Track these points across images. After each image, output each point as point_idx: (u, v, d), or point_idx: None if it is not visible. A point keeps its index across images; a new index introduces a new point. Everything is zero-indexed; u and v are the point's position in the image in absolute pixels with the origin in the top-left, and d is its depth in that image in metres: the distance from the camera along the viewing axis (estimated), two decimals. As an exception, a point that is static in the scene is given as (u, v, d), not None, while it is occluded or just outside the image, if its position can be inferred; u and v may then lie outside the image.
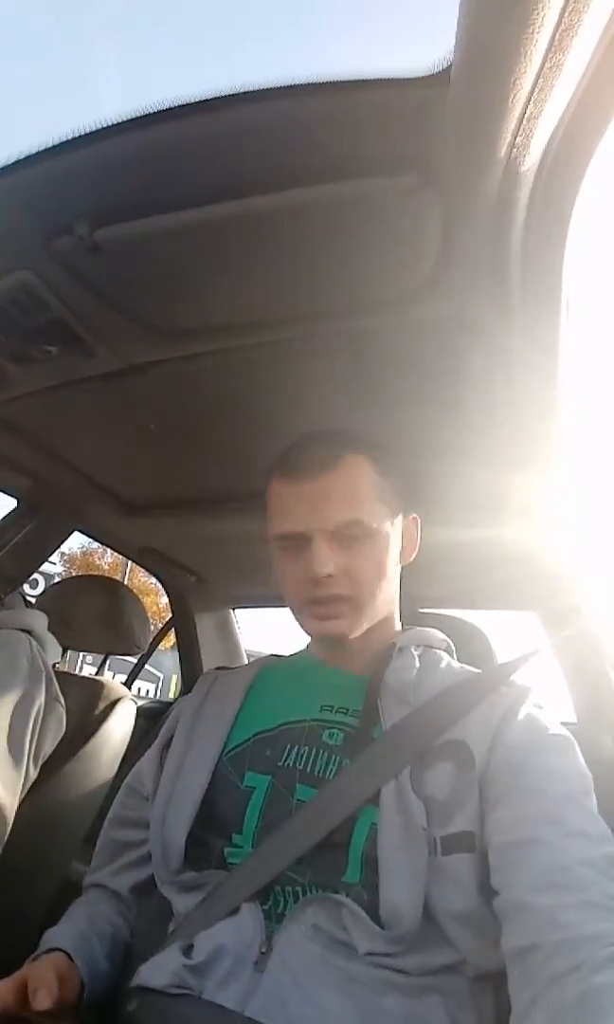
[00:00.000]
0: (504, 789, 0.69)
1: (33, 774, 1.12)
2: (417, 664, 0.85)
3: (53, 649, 1.25)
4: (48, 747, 1.16)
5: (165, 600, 2.17)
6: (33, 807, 1.09)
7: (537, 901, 0.59)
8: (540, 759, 0.71)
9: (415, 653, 0.88)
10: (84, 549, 19.68)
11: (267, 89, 0.64)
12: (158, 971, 0.69)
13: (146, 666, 2.33)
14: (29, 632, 1.21)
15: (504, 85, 0.54)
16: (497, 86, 0.55)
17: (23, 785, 1.09)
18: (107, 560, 18.88)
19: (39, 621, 1.25)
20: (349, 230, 0.74)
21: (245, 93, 0.64)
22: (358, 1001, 0.62)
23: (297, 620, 0.90)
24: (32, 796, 1.10)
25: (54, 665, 1.23)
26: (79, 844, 1.32)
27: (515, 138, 0.59)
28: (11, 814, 1.04)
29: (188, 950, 0.69)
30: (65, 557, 19.57)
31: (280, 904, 0.70)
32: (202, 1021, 0.63)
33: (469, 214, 0.69)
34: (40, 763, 1.14)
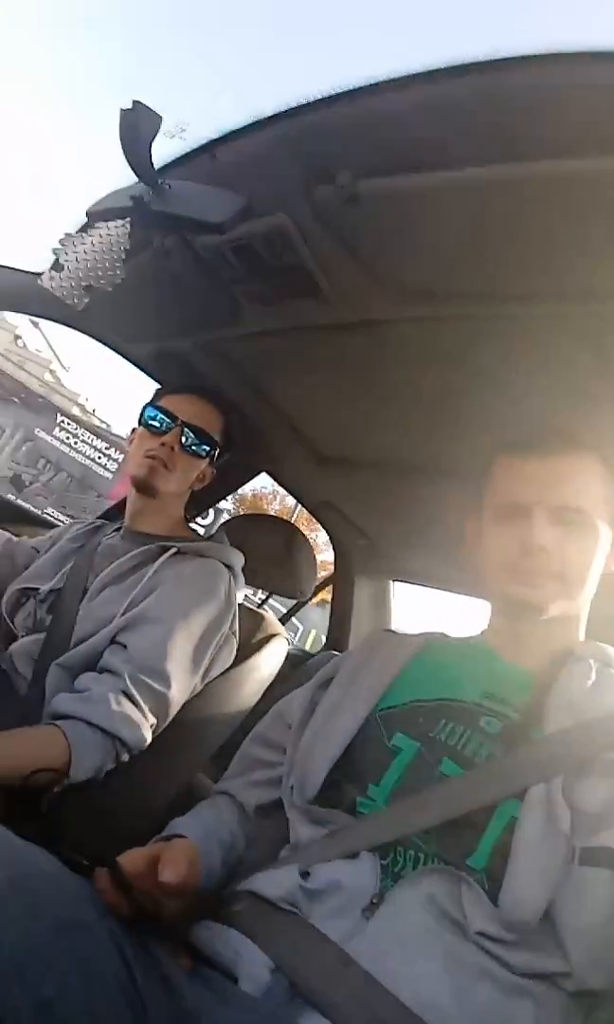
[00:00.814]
0: None
1: (198, 688, 1.24)
2: (593, 677, 0.83)
3: (242, 588, 1.36)
4: (215, 671, 1.27)
5: (322, 557, 2.20)
6: (177, 714, 1.18)
7: None
8: None
9: (593, 666, 0.85)
10: (255, 492, 20.38)
11: (560, 54, 0.61)
12: (274, 883, 0.73)
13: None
14: (230, 568, 1.32)
15: None
16: None
17: (190, 693, 1.20)
18: (275, 507, 19.46)
19: (239, 560, 1.37)
20: None
21: (533, 57, 0.62)
22: (455, 980, 0.62)
23: (493, 588, 0.93)
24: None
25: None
26: (208, 758, 1.40)
27: None
28: (175, 710, 1.16)
29: (305, 875, 0.73)
30: (237, 496, 20.36)
31: (398, 864, 0.72)
32: (303, 942, 0.66)
33: None
34: (205, 682, 1.25)
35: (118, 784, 1.08)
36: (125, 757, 1.07)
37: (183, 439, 1.30)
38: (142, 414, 1.34)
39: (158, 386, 1.46)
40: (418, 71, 0.67)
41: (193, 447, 1.32)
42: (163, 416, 1.31)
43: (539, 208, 0.73)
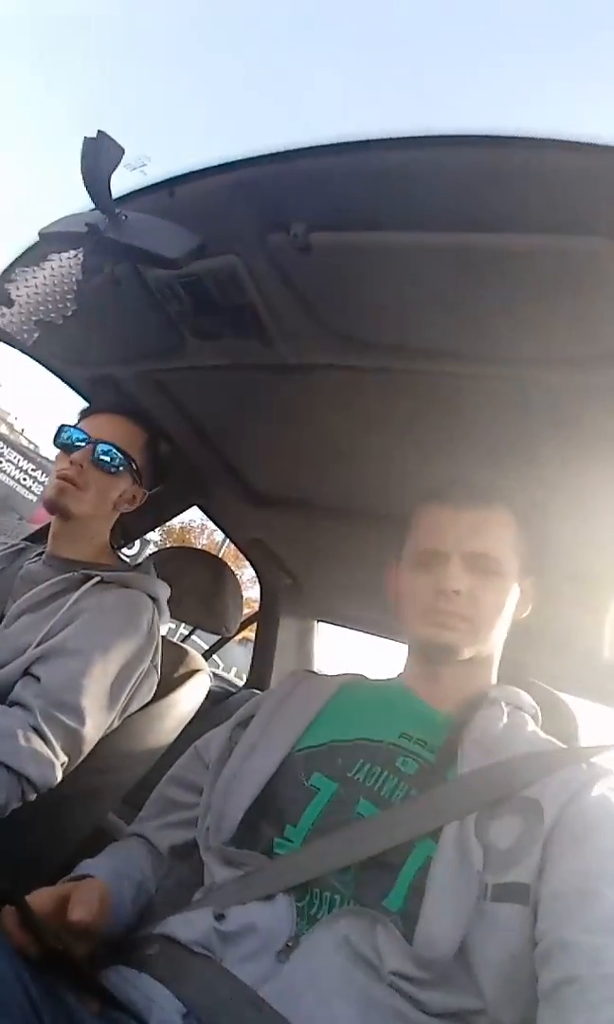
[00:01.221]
0: (569, 845, 0.68)
1: (115, 724, 1.19)
2: (505, 719, 0.86)
3: (166, 621, 1.32)
4: (134, 706, 1.23)
5: (246, 594, 2.20)
6: (92, 748, 1.13)
7: (583, 939, 0.59)
8: (610, 827, 0.70)
9: (505, 708, 0.89)
10: (183, 525, 20.16)
11: (517, 138, 0.65)
12: (188, 926, 0.72)
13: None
14: (154, 600, 1.28)
15: None
16: None
17: (106, 730, 1.16)
18: (202, 541, 19.30)
19: (164, 592, 1.32)
20: (554, 284, 0.75)
21: (491, 138, 0.66)
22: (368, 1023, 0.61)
23: (410, 631, 0.96)
24: (95, 739, 1.15)
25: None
26: (119, 799, 1.35)
27: None
28: (88, 747, 1.11)
29: (220, 918, 0.71)
30: (164, 529, 20.08)
31: (314, 906, 0.71)
32: (217, 987, 0.65)
33: None
34: (123, 718, 1.21)
35: (27, 820, 1.03)
36: (32, 796, 1.01)
37: (94, 454, 1.24)
38: (57, 436, 1.28)
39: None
40: (379, 137, 0.71)
41: (104, 460, 1.25)
42: (76, 434, 1.26)
43: (477, 277, 0.78)
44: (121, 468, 1.28)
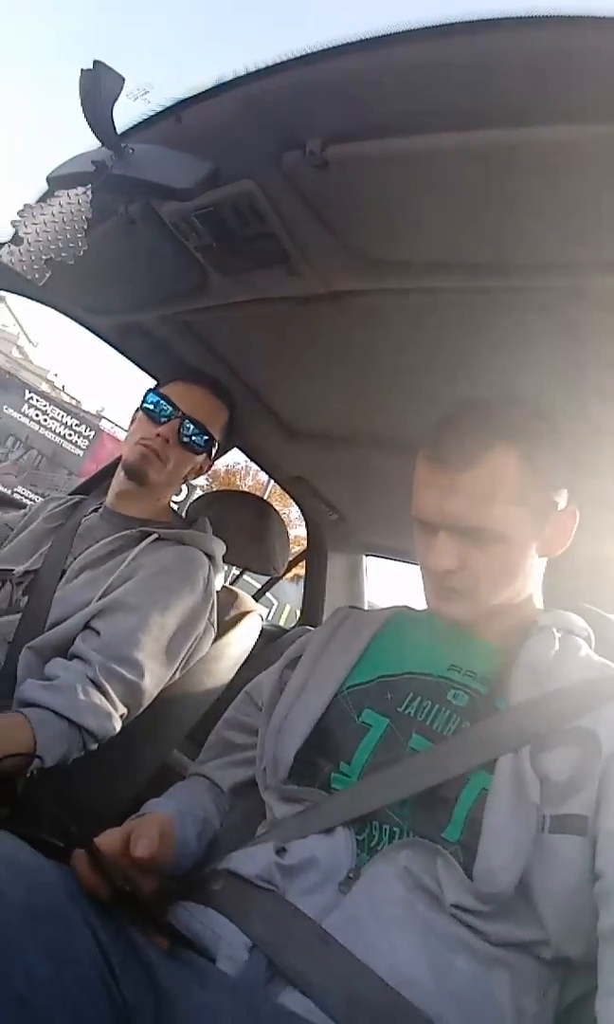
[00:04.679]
0: None
1: (177, 677, 1.24)
2: (556, 646, 0.83)
3: (221, 576, 1.35)
4: (193, 662, 1.28)
5: (295, 532, 2.20)
6: (154, 693, 1.18)
7: None
8: None
9: (556, 635, 0.85)
10: (228, 468, 20.26)
11: (532, 17, 0.58)
12: (250, 861, 0.73)
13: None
14: (210, 557, 1.30)
15: None
16: None
17: (167, 682, 1.20)
18: (247, 483, 19.37)
19: (220, 549, 1.35)
20: (596, 177, 0.68)
21: (507, 20, 0.59)
22: (432, 952, 0.63)
23: (424, 590, 0.92)
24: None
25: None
26: (183, 736, 1.41)
27: None
28: (148, 700, 1.15)
29: (281, 852, 0.73)
30: (209, 472, 20.09)
31: (374, 839, 0.73)
32: (280, 918, 0.67)
33: None
34: (183, 671, 1.26)
35: (94, 765, 1.08)
36: (93, 746, 1.05)
37: (181, 431, 1.28)
38: (144, 398, 1.31)
39: (127, 363, 1.44)
40: (388, 32, 0.65)
41: (190, 440, 1.29)
42: (165, 405, 1.28)
43: (512, 177, 0.72)
44: (203, 446, 1.32)
